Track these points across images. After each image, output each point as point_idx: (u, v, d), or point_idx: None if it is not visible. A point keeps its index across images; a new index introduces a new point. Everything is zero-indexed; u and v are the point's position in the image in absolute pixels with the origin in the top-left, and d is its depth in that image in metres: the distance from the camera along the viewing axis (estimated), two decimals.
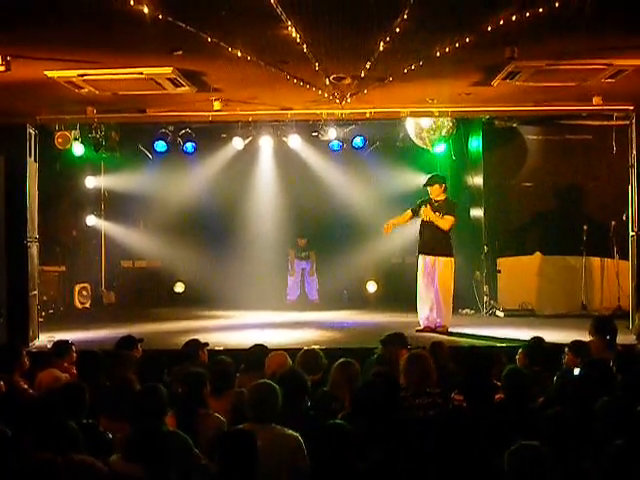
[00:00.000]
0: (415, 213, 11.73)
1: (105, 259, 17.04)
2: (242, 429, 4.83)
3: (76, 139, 13.57)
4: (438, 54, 7.61)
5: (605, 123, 12.79)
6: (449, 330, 11.41)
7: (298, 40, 7.04)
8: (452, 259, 11.58)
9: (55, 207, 15.46)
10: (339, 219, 16.20)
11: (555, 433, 5.11)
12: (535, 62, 8.31)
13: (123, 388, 6.11)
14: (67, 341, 8.36)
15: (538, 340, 7.64)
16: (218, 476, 4.56)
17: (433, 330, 11.32)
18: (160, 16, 6.30)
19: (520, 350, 7.55)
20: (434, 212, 11.45)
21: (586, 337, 8.20)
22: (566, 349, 7.41)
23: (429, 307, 11.55)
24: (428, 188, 11.68)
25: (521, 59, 7.96)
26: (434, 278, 11.48)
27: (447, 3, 6.44)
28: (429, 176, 11.88)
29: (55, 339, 9.14)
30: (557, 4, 6.13)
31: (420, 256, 11.67)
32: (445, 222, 11.45)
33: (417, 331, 11.43)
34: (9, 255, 11.15)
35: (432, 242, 11.52)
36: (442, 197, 11.61)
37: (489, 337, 10.94)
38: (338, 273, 15.64)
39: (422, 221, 11.63)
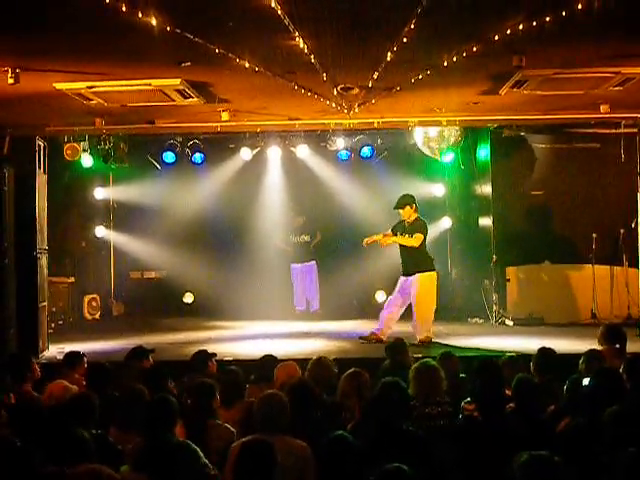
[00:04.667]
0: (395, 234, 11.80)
1: (114, 270, 17.05)
2: (262, 439, 4.82)
3: (85, 150, 13.61)
4: (446, 63, 7.61)
5: (613, 131, 12.78)
6: (432, 340, 11.44)
7: (306, 50, 7.06)
8: (432, 273, 11.63)
9: (64, 218, 15.49)
10: (347, 228, 16.15)
11: (566, 442, 5.10)
12: (543, 71, 8.32)
13: (133, 399, 6.11)
14: (79, 352, 8.37)
15: (547, 349, 7.61)
16: None
17: (379, 340, 11.35)
18: (168, 28, 6.33)
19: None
20: (406, 233, 11.57)
21: (596, 346, 8.18)
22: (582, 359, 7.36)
23: (391, 320, 11.69)
24: (399, 211, 11.73)
25: (529, 68, 7.96)
26: (414, 292, 11.53)
27: (454, 12, 6.44)
28: (399, 198, 11.82)
29: (65, 350, 9.15)
30: (564, 12, 6.13)
31: (401, 277, 11.77)
32: (414, 240, 11.56)
33: (360, 338, 11.69)
34: (19, 266, 11.17)
35: (410, 263, 11.63)
36: (413, 217, 11.68)
37: (498, 346, 10.92)
38: (347, 282, 15.61)
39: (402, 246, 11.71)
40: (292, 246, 15.86)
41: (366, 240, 12.11)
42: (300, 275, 15.82)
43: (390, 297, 11.98)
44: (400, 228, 11.72)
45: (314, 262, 15.83)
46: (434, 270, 11.68)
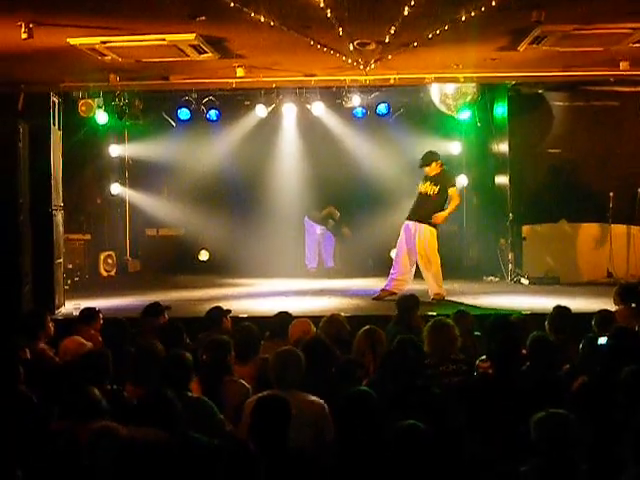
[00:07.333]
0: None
1: (130, 227, 17.12)
2: (277, 395, 4.84)
3: (99, 107, 13.58)
4: (464, 18, 7.50)
5: (632, 89, 12.65)
6: (445, 297, 11.43)
7: (322, 4, 6.97)
8: (435, 230, 11.57)
9: (79, 175, 15.49)
10: (363, 186, 16.13)
11: (581, 401, 5.09)
12: (562, 26, 8.19)
13: (149, 355, 6.13)
14: (94, 308, 8.42)
15: (563, 308, 7.59)
16: (251, 440, 4.57)
17: (392, 294, 11.28)
18: None
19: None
20: (432, 183, 11.55)
21: (611, 305, 8.15)
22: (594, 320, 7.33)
23: (400, 271, 11.64)
24: (426, 168, 11.68)
25: (548, 23, 7.84)
26: (416, 244, 11.52)
27: None
28: (424, 155, 11.80)
29: (81, 307, 9.19)
30: None
31: (405, 222, 11.74)
32: (456, 197, 11.71)
33: (373, 299, 11.66)
34: (34, 223, 11.20)
35: (422, 210, 11.55)
36: (438, 170, 11.66)
37: (514, 305, 10.91)
38: (363, 241, 15.61)
39: (418, 192, 11.69)
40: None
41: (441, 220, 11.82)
42: (315, 232, 15.84)
43: (397, 250, 11.92)
44: (428, 180, 11.64)
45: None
46: (436, 227, 11.63)
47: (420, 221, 11.51)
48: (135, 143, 16.60)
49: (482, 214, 15.95)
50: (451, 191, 11.61)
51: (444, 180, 11.62)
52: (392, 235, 12.32)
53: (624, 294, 8.23)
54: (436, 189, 11.50)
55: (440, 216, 11.50)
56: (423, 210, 11.54)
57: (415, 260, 11.58)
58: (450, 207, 11.60)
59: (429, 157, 11.71)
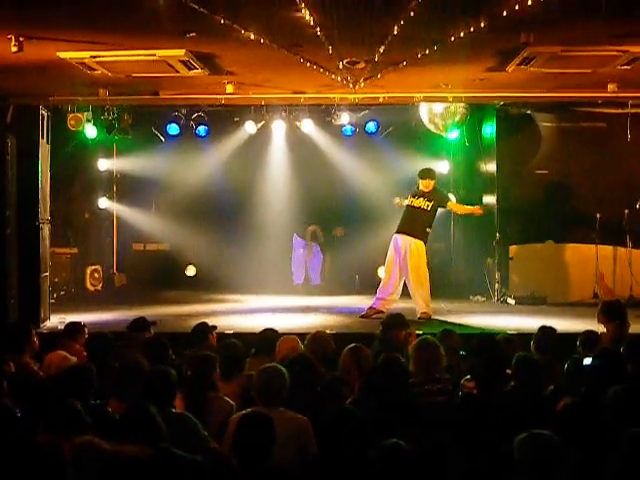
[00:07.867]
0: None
1: (117, 242, 17.07)
2: (261, 412, 4.83)
3: (88, 121, 13.55)
4: (453, 39, 7.55)
5: (620, 111, 12.71)
6: (432, 317, 11.41)
7: (312, 23, 7.00)
8: (423, 244, 11.59)
9: (67, 189, 15.44)
10: (351, 204, 16.16)
11: (565, 421, 5.09)
12: (550, 48, 8.24)
13: (133, 370, 6.11)
14: (79, 322, 8.39)
15: (548, 328, 7.60)
16: (234, 457, 4.56)
17: (379, 312, 11.32)
18: None
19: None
20: (426, 200, 11.65)
21: (597, 326, 8.14)
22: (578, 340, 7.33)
23: (388, 290, 11.65)
24: (422, 180, 11.73)
25: (536, 45, 7.89)
26: (406, 260, 11.51)
27: None
28: (427, 170, 11.94)
29: (66, 321, 9.16)
30: None
31: (394, 235, 11.74)
32: (460, 206, 12.26)
33: (361, 317, 11.64)
34: (21, 236, 11.17)
35: (413, 224, 11.62)
36: (431, 187, 11.75)
37: (500, 325, 10.92)
38: (349, 258, 15.62)
39: (408, 206, 11.75)
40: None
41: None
42: (303, 249, 15.87)
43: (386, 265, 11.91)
44: (421, 196, 11.71)
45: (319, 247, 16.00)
46: (426, 243, 11.66)
47: (412, 235, 11.53)
48: (124, 157, 16.55)
49: (469, 234, 15.97)
50: (451, 204, 12.05)
51: (437, 197, 11.73)
52: (379, 252, 12.34)
53: (608, 311, 8.20)
54: (430, 204, 11.60)
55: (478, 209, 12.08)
56: (416, 224, 11.59)
57: (404, 276, 11.57)
58: (467, 209, 12.27)
59: (433, 173, 11.94)
